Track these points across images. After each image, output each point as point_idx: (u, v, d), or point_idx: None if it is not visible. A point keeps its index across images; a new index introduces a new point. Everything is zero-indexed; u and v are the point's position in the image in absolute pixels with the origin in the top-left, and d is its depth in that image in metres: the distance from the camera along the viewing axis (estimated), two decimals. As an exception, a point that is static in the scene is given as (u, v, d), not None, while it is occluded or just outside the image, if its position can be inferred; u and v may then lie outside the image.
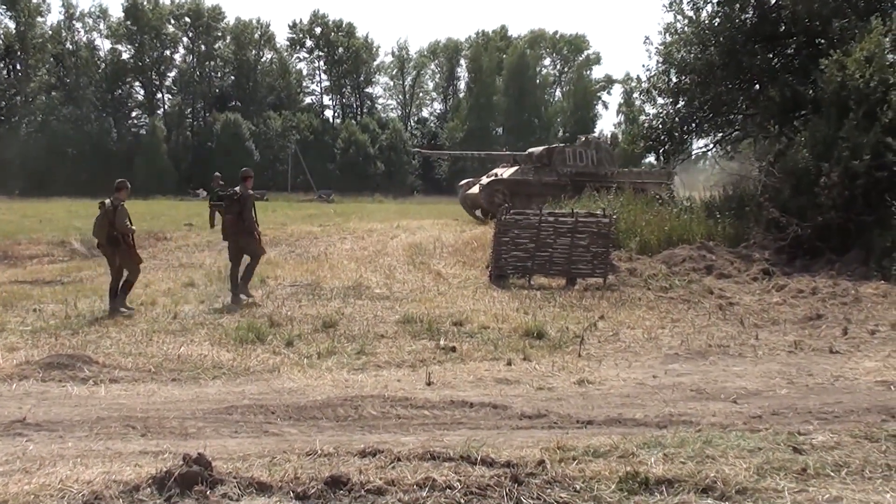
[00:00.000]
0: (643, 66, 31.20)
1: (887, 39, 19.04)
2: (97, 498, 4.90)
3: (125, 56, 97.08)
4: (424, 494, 4.97)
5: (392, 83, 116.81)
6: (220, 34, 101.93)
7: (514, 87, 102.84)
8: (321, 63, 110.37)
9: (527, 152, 33.98)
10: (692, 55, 24.52)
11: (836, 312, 14.25)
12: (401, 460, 5.63)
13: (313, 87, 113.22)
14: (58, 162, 77.48)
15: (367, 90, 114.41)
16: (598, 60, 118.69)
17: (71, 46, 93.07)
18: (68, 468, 5.69)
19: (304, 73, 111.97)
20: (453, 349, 11.66)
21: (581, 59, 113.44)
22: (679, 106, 25.83)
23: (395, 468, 5.44)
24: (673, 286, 16.89)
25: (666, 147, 26.47)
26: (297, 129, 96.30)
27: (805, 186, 18.94)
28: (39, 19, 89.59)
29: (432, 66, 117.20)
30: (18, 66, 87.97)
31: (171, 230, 27.92)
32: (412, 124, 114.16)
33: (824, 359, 11.19)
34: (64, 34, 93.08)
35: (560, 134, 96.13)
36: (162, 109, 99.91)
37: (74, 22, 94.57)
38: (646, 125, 27.54)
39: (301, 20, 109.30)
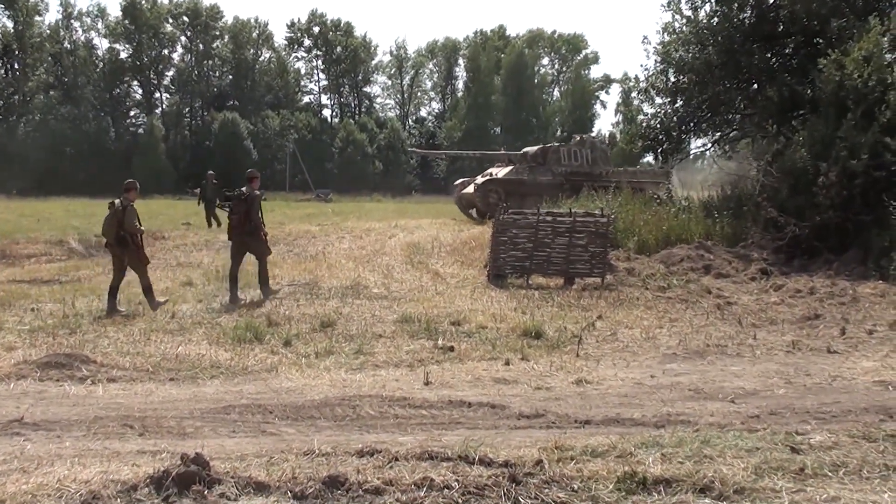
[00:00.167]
0: (641, 65, 31.40)
1: (885, 39, 19.05)
2: (95, 497, 4.90)
3: (123, 55, 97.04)
4: (422, 494, 4.97)
5: (390, 82, 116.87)
6: (218, 33, 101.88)
7: (513, 86, 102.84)
8: (319, 62, 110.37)
9: (521, 152, 33.96)
10: (690, 55, 24.52)
11: (834, 312, 14.25)
12: (399, 460, 5.63)
13: (311, 86, 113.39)
14: (56, 161, 77.38)
15: (365, 89, 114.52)
16: (596, 60, 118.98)
17: (69, 46, 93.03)
18: (66, 468, 5.68)
19: (303, 72, 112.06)
20: (451, 349, 11.66)
21: (579, 58, 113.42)
22: (677, 105, 25.84)
23: (392, 468, 5.45)
24: (671, 286, 16.90)
25: (664, 146, 26.49)
26: (295, 128, 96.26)
27: (803, 186, 18.95)
28: (37, 18, 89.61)
29: (430, 66, 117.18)
30: (16, 66, 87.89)
31: (169, 229, 27.92)
32: (410, 124, 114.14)
33: (822, 359, 11.19)
34: (62, 33, 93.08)
35: (558, 133, 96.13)
36: (160, 109, 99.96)
37: (72, 21, 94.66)
38: (644, 125, 27.54)
39: (299, 19, 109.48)
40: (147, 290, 14.74)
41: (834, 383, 9.67)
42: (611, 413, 8.23)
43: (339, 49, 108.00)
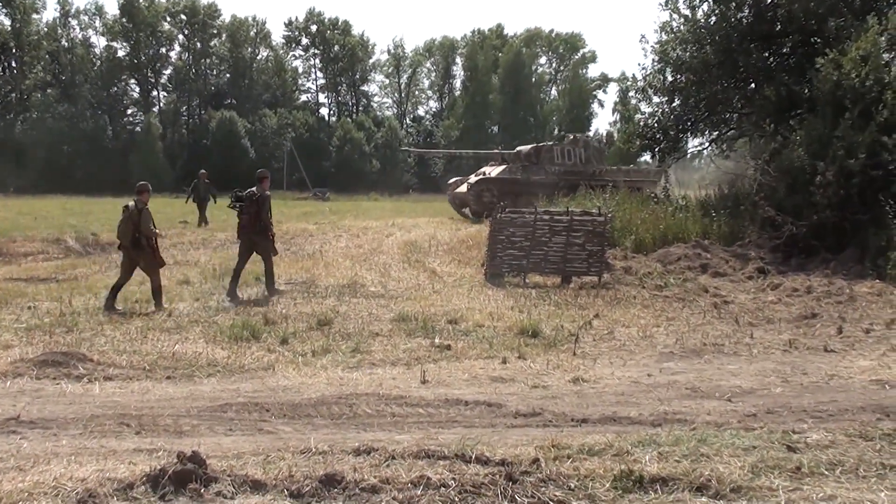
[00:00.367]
0: (639, 64, 31.37)
1: (883, 38, 19.06)
2: (91, 496, 4.90)
3: (121, 53, 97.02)
4: (419, 493, 4.97)
5: (388, 81, 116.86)
6: (215, 32, 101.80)
7: (510, 85, 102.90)
8: (317, 61, 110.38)
9: (515, 151, 34.00)
10: (688, 54, 24.55)
11: (831, 311, 14.25)
12: (395, 458, 5.63)
13: (309, 84, 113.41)
14: (53, 159, 77.37)
15: (362, 88, 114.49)
16: (593, 59, 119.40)
17: (66, 44, 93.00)
18: (62, 466, 5.68)
19: (300, 70, 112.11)
20: (448, 347, 11.66)
21: (577, 57, 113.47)
22: (675, 104, 25.88)
23: (389, 466, 5.45)
24: (668, 285, 16.91)
25: (661, 146, 26.53)
26: (292, 126, 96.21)
27: (800, 185, 18.96)
28: (35, 16, 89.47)
29: (428, 65, 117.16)
30: (14, 64, 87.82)
31: (166, 228, 27.86)
32: (408, 122, 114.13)
33: (819, 357, 11.20)
34: (59, 31, 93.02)
35: (556, 133, 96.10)
36: (157, 107, 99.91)
37: (70, 19, 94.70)
38: (641, 124, 27.56)
39: (297, 18, 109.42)
40: (157, 291, 14.80)
41: (831, 382, 9.67)
42: (607, 412, 8.23)
43: (336, 48, 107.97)
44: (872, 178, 17.88)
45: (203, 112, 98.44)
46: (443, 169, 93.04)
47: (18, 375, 9.76)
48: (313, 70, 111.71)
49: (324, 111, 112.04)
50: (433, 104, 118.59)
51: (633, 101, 34.29)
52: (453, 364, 10.83)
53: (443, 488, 5.01)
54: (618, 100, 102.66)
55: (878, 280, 16.16)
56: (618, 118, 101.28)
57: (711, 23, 24.03)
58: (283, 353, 11.28)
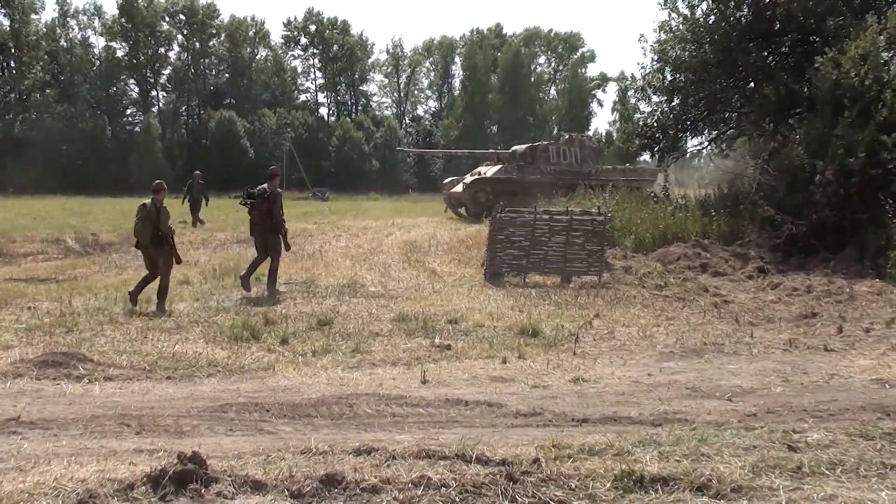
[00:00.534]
0: (638, 63, 31.24)
1: (882, 37, 19.07)
2: (92, 496, 4.89)
3: (120, 53, 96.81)
4: (419, 493, 4.97)
5: (387, 81, 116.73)
6: (214, 32, 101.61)
7: (509, 84, 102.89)
8: (316, 61, 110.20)
9: (510, 150, 34.02)
10: (687, 53, 24.57)
11: (831, 310, 14.26)
12: (396, 458, 5.63)
13: (308, 84, 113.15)
14: (52, 159, 77.23)
15: (361, 88, 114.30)
16: (592, 58, 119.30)
17: (65, 44, 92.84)
18: (63, 466, 5.68)
19: (299, 70, 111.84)
20: (448, 347, 11.66)
21: (576, 56, 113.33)
22: (674, 104, 25.90)
23: (389, 466, 5.45)
24: (668, 284, 16.93)
25: (661, 145, 26.55)
26: (291, 126, 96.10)
27: (800, 184, 18.96)
28: (34, 16, 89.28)
29: (427, 64, 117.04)
30: (13, 64, 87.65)
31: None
32: (407, 122, 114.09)
33: (819, 357, 11.19)
34: (58, 31, 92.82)
35: (555, 132, 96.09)
36: (157, 107, 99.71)
37: (69, 19, 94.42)
38: (641, 123, 27.56)
39: (296, 18, 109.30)
40: (164, 291, 14.86)
41: (831, 381, 9.67)
42: (608, 411, 8.23)
43: (335, 47, 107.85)
44: (872, 176, 17.90)
45: (202, 112, 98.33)
46: (442, 169, 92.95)
47: (19, 376, 9.76)
48: (312, 70, 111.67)
49: (323, 111, 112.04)
50: (432, 104, 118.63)
51: (633, 101, 34.37)
52: (453, 364, 10.83)
53: (443, 488, 5.01)
54: (617, 99, 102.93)
55: (877, 279, 16.16)
56: (617, 117, 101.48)
57: (710, 22, 24.05)
58: (283, 354, 11.28)
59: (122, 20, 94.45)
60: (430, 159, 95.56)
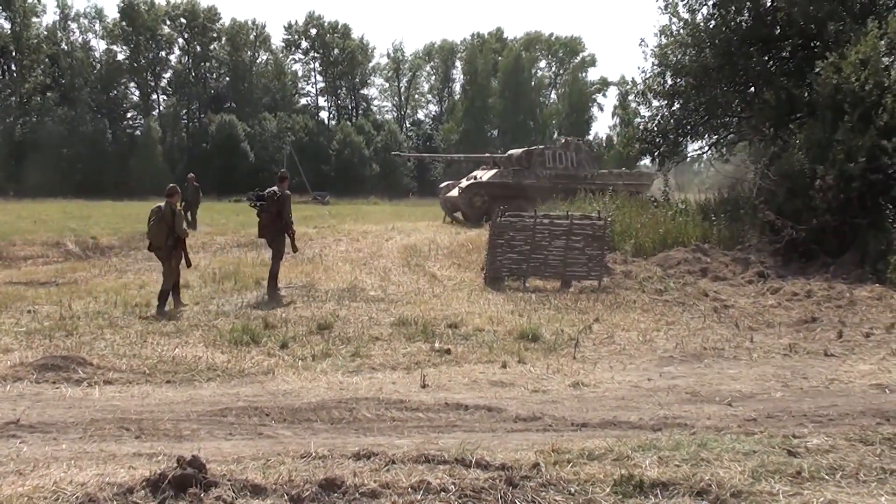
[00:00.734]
0: (638, 68, 31.43)
1: (882, 42, 19.05)
2: (91, 500, 4.89)
3: (120, 57, 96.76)
4: (419, 497, 4.97)
5: (387, 85, 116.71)
6: (215, 35, 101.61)
7: (510, 89, 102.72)
8: (316, 65, 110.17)
9: (506, 154, 34.00)
10: (687, 57, 24.55)
11: (831, 315, 14.26)
12: (395, 463, 5.63)
13: (308, 88, 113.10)
14: (53, 163, 77.22)
15: (362, 92, 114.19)
16: (593, 63, 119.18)
17: (66, 47, 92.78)
18: (62, 470, 5.67)
19: (300, 74, 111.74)
20: (448, 351, 11.66)
21: (576, 61, 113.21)
22: (674, 108, 25.88)
23: (389, 471, 5.44)
24: (668, 289, 16.93)
25: (661, 149, 26.52)
26: (292, 130, 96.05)
27: (800, 189, 18.95)
28: (35, 20, 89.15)
29: (427, 68, 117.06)
30: (14, 67, 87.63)
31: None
32: (407, 126, 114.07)
33: (819, 362, 11.20)
34: (59, 35, 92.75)
35: (555, 136, 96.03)
36: (157, 110, 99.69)
37: (70, 23, 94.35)
38: (641, 127, 27.54)
39: (296, 21, 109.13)
40: (165, 295, 15.00)
41: (831, 386, 9.67)
42: (608, 416, 8.23)
43: (336, 51, 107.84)
44: (872, 182, 17.89)
45: (203, 115, 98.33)
46: (442, 173, 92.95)
47: (18, 379, 9.77)
48: (313, 74, 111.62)
49: (323, 115, 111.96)
50: (433, 108, 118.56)
51: (633, 105, 34.28)
52: (453, 368, 10.85)
53: (443, 493, 5.01)
54: (617, 103, 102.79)
55: (878, 284, 16.14)
56: (617, 122, 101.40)
57: (711, 26, 24.04)
58: (282, 358, 11.29)
59: (123, 23, 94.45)
60: (430, 163, 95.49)
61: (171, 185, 15.83)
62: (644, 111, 28.33)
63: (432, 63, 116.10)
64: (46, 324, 13.22)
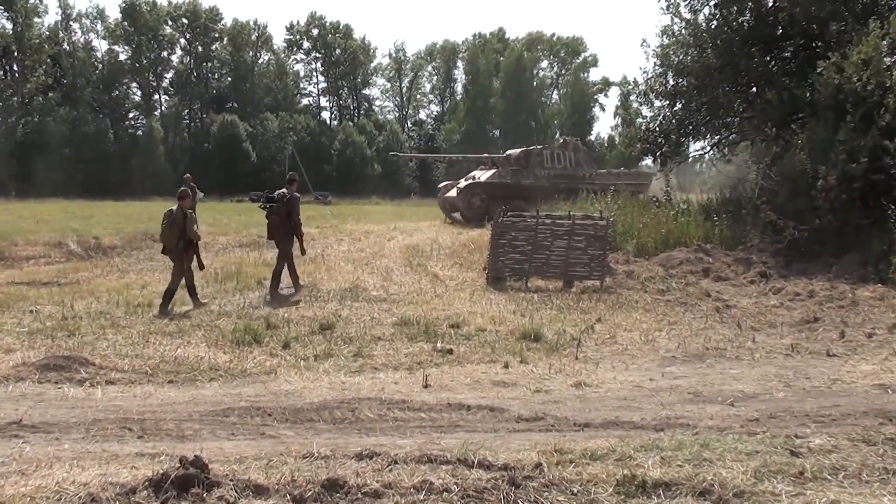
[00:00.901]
0: (640, 68, 31.34)
1: (884, 43, 19.03)
2: (93, 500, 4.90)
3: (122, 57, 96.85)
4: (421, 497, 4.97)
5: (389, 85, 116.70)
6: (217, 35, 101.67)
7: (512, 89, 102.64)
8: (318, 65, 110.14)
9: (504, 154, 33.96)
10: (689, 58, 24.54)
11: (833, 315, 14.25)
12: (398, 463, 5.62)
13: (310, 88, 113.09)
14: (54, 163, 77.26)
15: (364, 92, 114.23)
16: (595, 63, 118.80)
17: (68, 47, 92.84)
18: (65, 470, 5.67)
19: (301, 74, 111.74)
20: (450, 352, 11.66)
21: (578, 61, 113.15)
22: (676, 108, 25.86)
23: (391, 471, 5.44)
24: (670, 289, 16.92)
25: (663, 150, 26.50)
26: (293, 130, 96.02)
27: (802, 189, 18.94)
28: (36, 20, 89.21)
29: (429, 69, 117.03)
30: (15, 67, 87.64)
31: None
32: (409, 126, 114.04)
33: (821, 362, 11.19)
34: (61, 35, 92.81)
35: (557, 136, 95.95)
36: (159, 111, 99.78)
37: (71, 23, 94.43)
38: (643, 128, 27.53)
39: (298, 22, 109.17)
40: (170, 294, 15.14)
41: (833, 387, 9.67)
42: (610, 416, 8.22)
43: (337, 51, 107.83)
44: (874, 182, 17.87)
45: (204, 116, 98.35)
46: (444, 173, 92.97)
47: (21, 379, 9.77)
48: (315, 74, 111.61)
49: (325, 115, 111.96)
50: (434, 108, 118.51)
51: (635, 105, 34.28)
52: (455, 368, 10.85)
53: (445, 493, 5.01)
54: (619, 104, 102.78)
55: (880, 284, 16.11)
56: (619, 122, 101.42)
57: (713, 27, 24.03)
58: (285, 358, 11.30)
59: (125, 24, 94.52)
60: (432, 163, 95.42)
61: (183, 188, 15.96)
62: (646, 111, 28.35)
63: (434, 63, 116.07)
64: (49, 324, 13.23)
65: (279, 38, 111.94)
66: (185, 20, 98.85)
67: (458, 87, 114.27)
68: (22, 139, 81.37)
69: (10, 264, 21.95)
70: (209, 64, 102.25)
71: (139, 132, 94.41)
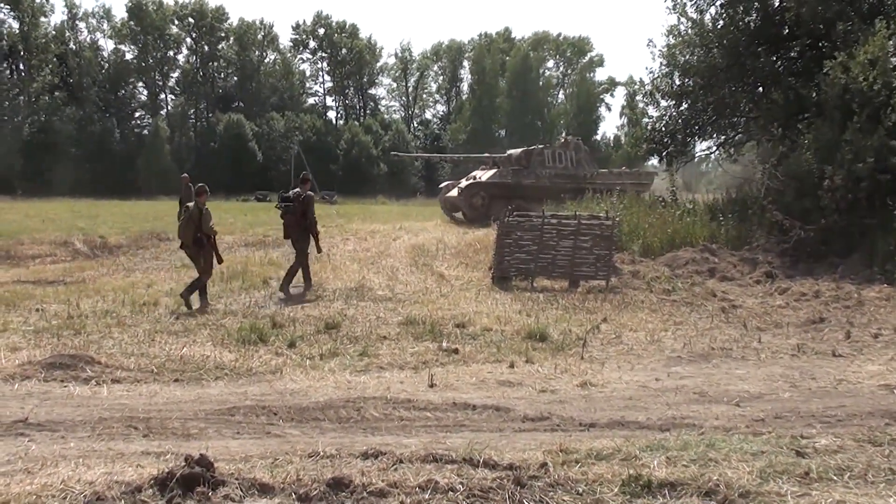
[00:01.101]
0: (646, 68, 31.28)
1: (891, 42, 19.02)
2: (99, 498, 4.89)
3: (128, 56, 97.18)
4: (427, 497, 4.96)
5: (395, 85, 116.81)
6: (223, 35, 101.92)
7: (517, 89, 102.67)
8: (324, 64, 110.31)
9: (506, 154, 33.93)
10: (696, 57, 24.54)
11: (839, 316, 14.23)
12: (403, 462, 5.62)
13: (316, 88, 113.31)
14: (61, 162, 77.44)
15: (370, 91, 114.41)
16: (601, 63, 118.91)
17: (74, 47, 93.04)
18: (70, 468, 5.67)
19: (307, 74, 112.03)
20: (456, 351, 11.66)
21: (584, 61, 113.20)
22: (682, 108, 25.86)
23: (397, 470, 5.43)
24: (676, 289, 16.89)
25: (669, 149, 26.48)
26: (299, 130, 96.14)
27: (808, 189, 18.92)
28: (43, 19, 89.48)
29: (435, 68, 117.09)
30: (22, 66, 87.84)
31: (174, 231, 27.88)
32: (415, 126, 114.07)
33: (827, 362, 11.17)
34: (67, 34, 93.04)
35: (563, 136, 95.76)
36: (165, 110, 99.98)
37: (78, 22, 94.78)
38: (649, 128, 27.52)
39: (304, 21, 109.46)
40: (194, 287, 15.32)
41: (839, 387, 9.65)
42: (615, 416, 8.21)
43: (344, 51, 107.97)
44: (880, 182, 17.86)
45: (211, 115, 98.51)
46: (451, 173, 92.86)
47: (26, 378, 9.78)
48: (321, 73, 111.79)
49: (331, 114, 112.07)
50: (440, 108, 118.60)
51: (641, 105, 34.25)
52: (461, 368, 10.85)
53: (451, 492, 5.00)
54: (625, 104, 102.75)
55: (886, 285, 16.10)
56: (625, 122, 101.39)
57: (719, 26, 24.03)
58: (290, 357, 11.30)
59: (131, 23, 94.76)
60: (438, 163, 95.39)
61: (200, 184, 16.02)
62: (652, 111, 28.36)
63: (440, 63, 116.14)
64: (54, 322, 13.24)
65: (285, 38, 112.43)
66: (191, 19, 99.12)
67: (464, 87, 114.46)
68: (28, 138, 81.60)
69: (17, 263, 22.00)
70: (215, 63, 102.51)
71: (145, 131, 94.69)
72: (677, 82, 25.58)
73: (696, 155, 29.49)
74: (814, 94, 20.88)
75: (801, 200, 19.12)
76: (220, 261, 16.04)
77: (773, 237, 19.54)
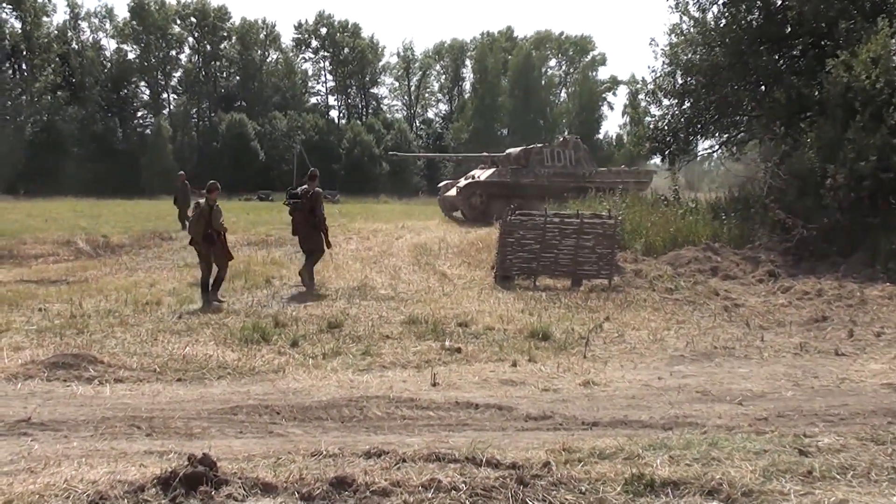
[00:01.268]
0: (649, 67, 31.21)
1: (894, 41, 19.00)
2: (102, 498, 4.90)
3: (131, 56, 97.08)
4: (429, 496, 4.96)
5: (397, 84, 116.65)
6: (225, 34, 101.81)
7: (520, 87, 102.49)
8: (326, 63, 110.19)
9: (505, 153, 33.88)
10: (698, 56, 24.52)
11: (842, 314, 14.23)
12: (406, 461, 5.62)
13: (318, 87, 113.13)
14: (63, 161, 77.45)
15: (372, 91, 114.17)
16: (603, 61, 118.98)
17: (76, 46, 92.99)
18: (73, 468, 5.68)
19: (310, 73, 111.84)
20: (458, 350, 11.66)
21: (586, 60, 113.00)
22: (685, 107, 25.84)
23: (400, 469, 5.44)
24: (678, 287, 16.89)
25: (671, 148, 26.47)
26: (302, 129, 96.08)
27: (811, 188, 18.91)
28: (45, 19, 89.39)
29: (437, 67, 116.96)
30: (24, 66, 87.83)
31: (176, 230, 27.94)
32: (417, 125, 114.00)
33: (830, 361, 11.17)
34: (70, 34, 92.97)
35: (566, 135, 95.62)
36: (167, 109, 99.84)
37: (80, 22, 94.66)
38: (651, 126, 27.49)
39: (306, 21, 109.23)
40: (219, 283, 15.63)
41: (842, 386, 9.65)
42: (618, 415, 8.22)
43: (346, 50, 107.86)
44: (883, 181, 17.84)
45: (213, 114, 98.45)
46: (453, 172, 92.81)
47: (29, 377, 9.79)
48: (323, 73, 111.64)
49: (333, 114, 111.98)
50: (443, 107, 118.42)
51: (643, 104, 34.20)
52: (463, 367, 10.85)
53: (453, 491, 5.00)
54: (627, 102, 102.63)
55: (888, 283, 16.08)
56: (627, 121, 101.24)
57: (721, 25, 24.01)
58: (293, 356, 11.31)
59: (134, 23, 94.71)
60: (440, 162, 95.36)
61: (212, 181, 16.05)
62: (654, 110, 28.28)
63: (442, 62, 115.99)
64: (57, 322, 13.25)
65: (287, 37, 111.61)
66: (193, 19, 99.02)
67: (467, 86, 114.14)
68: (31, 138, 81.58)
69: (19, 262, 22.02)
70: (217, 63, 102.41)
71: (148, 131, 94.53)
72: (679, 81, 25.58)
73: (699, 154, 29.48)
74: (816, 93, 20.86)
75: (804, 199, 19.12)
76: (229, 257, 16.12)
77: (776, 236, 19.52)
